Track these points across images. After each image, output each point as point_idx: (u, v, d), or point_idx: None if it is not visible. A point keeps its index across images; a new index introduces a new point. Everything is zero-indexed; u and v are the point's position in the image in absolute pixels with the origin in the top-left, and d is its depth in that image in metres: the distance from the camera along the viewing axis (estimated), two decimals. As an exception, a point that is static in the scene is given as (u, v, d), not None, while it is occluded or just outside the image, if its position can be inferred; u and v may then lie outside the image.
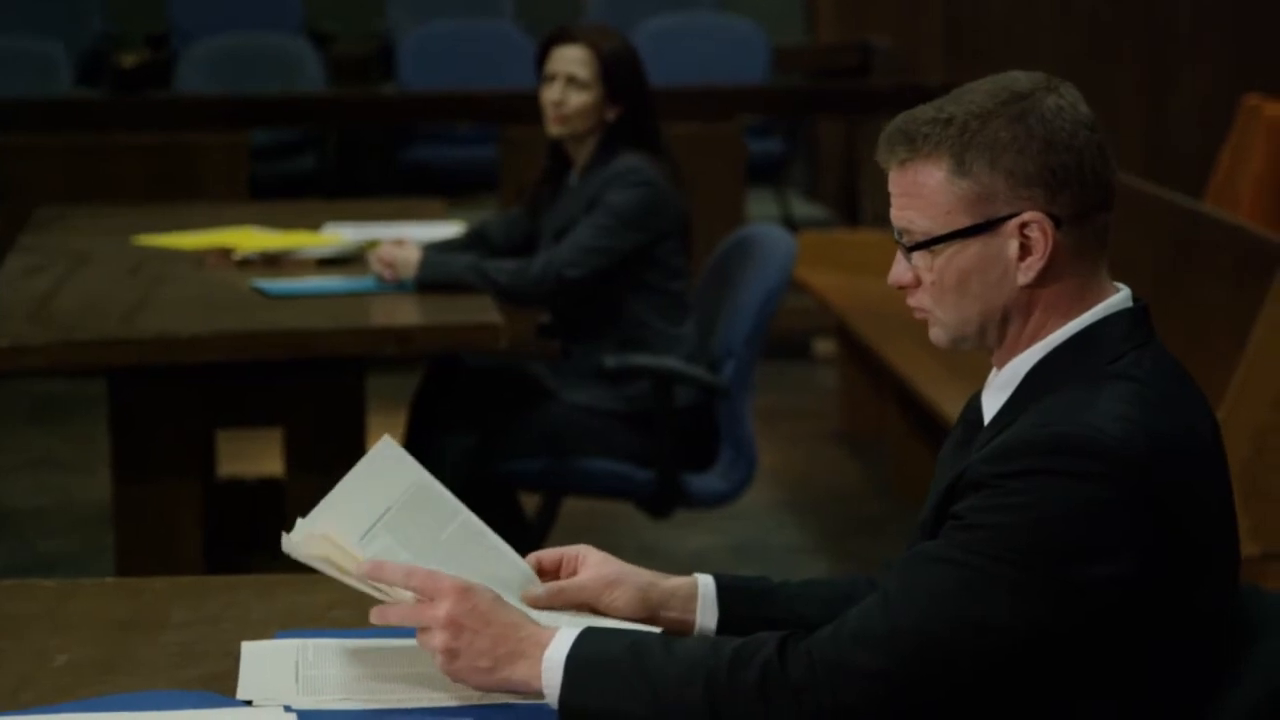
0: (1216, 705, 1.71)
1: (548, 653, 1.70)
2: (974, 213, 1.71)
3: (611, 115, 3.76)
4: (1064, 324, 1.73)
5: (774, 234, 3.91)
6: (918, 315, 1.77)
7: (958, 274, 1.72)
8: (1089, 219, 1.72)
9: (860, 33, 7.44)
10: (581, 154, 3.81)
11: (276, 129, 6.91)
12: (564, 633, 1.72)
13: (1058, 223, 1.70)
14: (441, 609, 1.73)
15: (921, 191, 1.72)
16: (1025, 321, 1.73)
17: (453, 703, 1.76)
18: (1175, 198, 4.29)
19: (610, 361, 3.66)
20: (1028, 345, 1.74)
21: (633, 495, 3.79)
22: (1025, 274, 1.71)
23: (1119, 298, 1.75)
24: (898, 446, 4.99)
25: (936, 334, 1.77)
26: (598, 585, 1.85)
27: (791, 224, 6.55)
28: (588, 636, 1.72)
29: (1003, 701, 1.67)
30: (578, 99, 3.74)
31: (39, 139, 5.99)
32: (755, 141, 6.70)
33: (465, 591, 1.74)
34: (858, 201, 7.09)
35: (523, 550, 1.89)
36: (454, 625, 1.72)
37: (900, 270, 1.76)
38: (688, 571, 1.94)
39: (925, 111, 1.74)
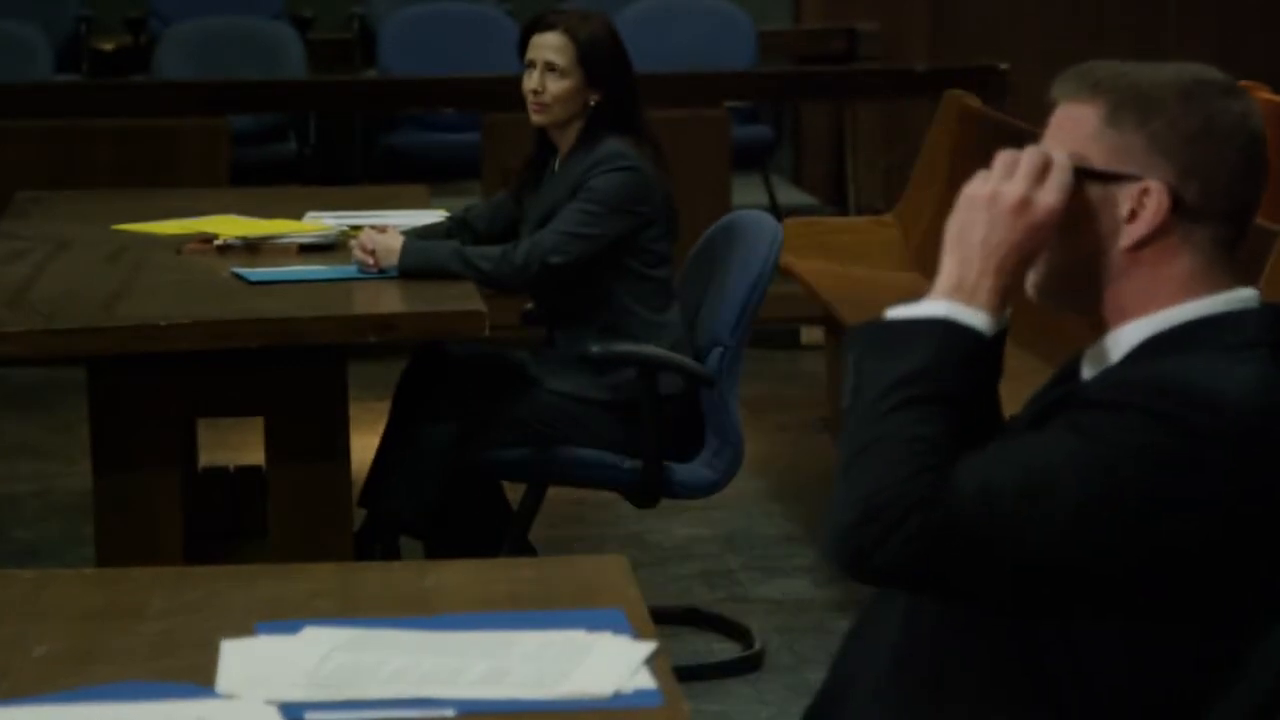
0: (1223, 695, 1.69)
1: (947, 303, 1.69)
2: (1106, 161, 1.72)
3: (593, 101, 3.74)
4: (1180, 302, 1.72)
5: (760, 220, 3.88)
6: None
7: (1069, 213, 1.73)
8: (1209, 222, 1.73)
9: (846, 18, 7.42)
10: (565, 140, 3.79)
11: (257, 114, 6.87)
12: (975, 310, 1.69)
13: (1176, 204, 1.71)
14: (982, 191, 1.70)
15: (1070, 127, 1.75)
16: (1121, 291, 1.73)
17: (436, 694, 1.74)
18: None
19: (595, 349, 3.63)
20: (1133, 316, 1.73)
21: (618, 485, 3.76)
22: (1125, 237, 1.72)
23: (1247, 293, 1.75)
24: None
25: (1033, 280, 1.77)
26: None
27: (777, 211, 6.53)
28: (971, 335, 1.68)
29: (1015, 608, 1.67)
30: (556, 86, 3.72)
31: (16, 124, 5.95)
32: (741, 127, 6.67)
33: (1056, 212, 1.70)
34: (845, 188, 7.06)
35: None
36: (977, 204, 1.70)
37: None
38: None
39: (1112, 64, 1.76)
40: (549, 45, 3.75)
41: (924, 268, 5.17)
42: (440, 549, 3.72)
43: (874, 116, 7.06)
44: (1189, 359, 1.69)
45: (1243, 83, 5.81)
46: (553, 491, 3.84)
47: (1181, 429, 1.63)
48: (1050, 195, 1.71)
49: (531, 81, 3.75)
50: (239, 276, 3.60)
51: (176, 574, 2.17)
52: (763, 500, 4.81)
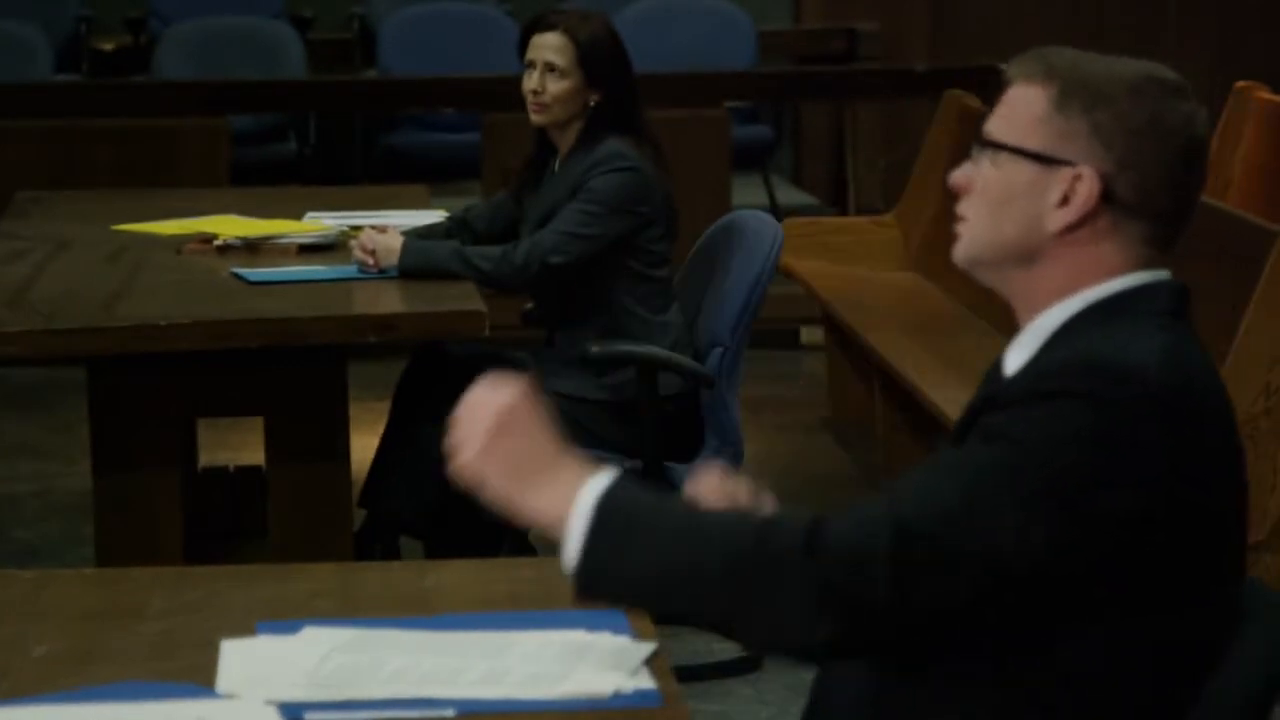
0: (1203, 698, 1.69)
1: (580, 498, 1.68)
2: (1046, 144, 1.74)
3: (593, 101, 3.73)
4: (1096, 285, 1.74)
5: (761, 220, 3.87)
6: (957, 226, 1.80)
7: (1002, 190, 1.76)
8: (1141, 217, 1.74)
9: (846, 18, 7.41)
10: (565, 140, 3.79)
11: (257, 114, 6.87)
12: (599, 476, 1.70)
13: (1108, 195, 1.72)
14: (494, 413, 1.71)
15: (1019, 106, 1.77)
16: (1048, 274, 1.75)
17: (436, 694, 1.74)
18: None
19: (595, 349, 3.63)
20: (1055, 300, 1.75)
21: (618, 484, 3.75)
22: (1054, 221, 1.73)
23: (1162, 273, 1.76)
24: (885, 434, 4.97)
25: (959, 248, 1.79)
26: None
27: (777, 211, 6.52)
28: (621, 486, 1.69)
29: (990, 625, 1.66)
30: (555, 86, 3.72)
31: (17, 124, 5.94)
32: (741, 127, 6.66)
33: (528, 394, 1.73)
34: (845, 188, 7.06)
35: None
36: (500, 433, 1.70)
37: (961, 173, 1.80)
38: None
39: (1070, 51, 1.79)
40: (549, 45, 3.74)
41: (924, 268, 5.17)
42: (440, 549, 3.72)
43: (874, 116, 7.05)
44: (1103, 332, 1.70)
45: (1242, 83, 5.76)
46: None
47: (1106, 404, 1.63)
48: (498, 397, 1.71)
49: (531, 82, 3.75)
50: (239, 277, 3.60)
51: (176, 574, 2.17)
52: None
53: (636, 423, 3.67)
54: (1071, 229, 1.73)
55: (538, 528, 1.70)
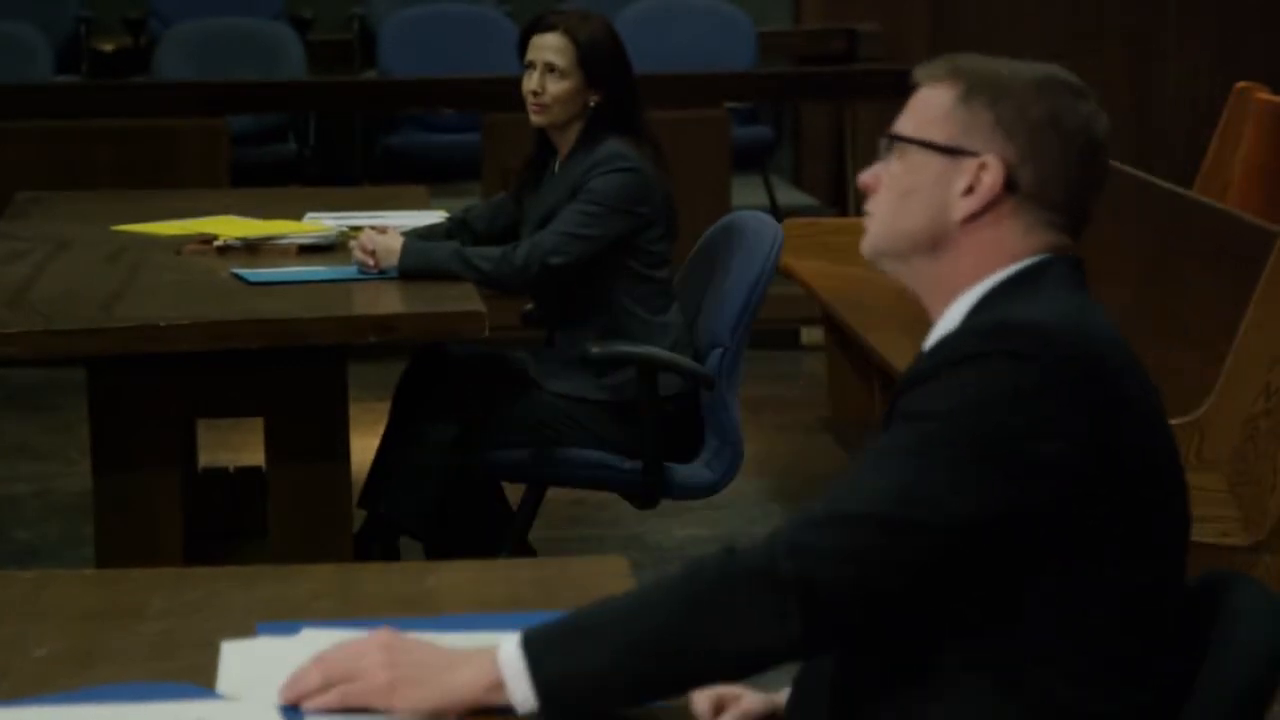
0: (1190, 695, 1.69)
1: (501, 652, 1.67)
2: (952, 136, 1.78)
3: (593, 101, 3.74)
4: (1000, 270, 1.77)
5: (760, 221, 3.88)
6: (865, 223, 1.84)
7: (908, 182, 1.79)
8: (1044, 208, 1.77)
9: (846, 18, 7.42)
10: (565, 141, 3.79)
11: (257, 115, 6.87)
12: (506, 636, 1.69)
13: (1011, 185, 1.77)
14: (376, 638, 1.70)
15: (923, 104, 1.81)
16: (954, 262, 1.78)
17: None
18: (1163, 185, 4.27)
19: (595, 350, 3.63)
20: (961, 290, 1.78)
21: (618, 486, 3.76)
22: (959, 209, 1.77)
23: (1067, 255, 1.80)
24: (884, 435, 4.96)
25: (865, 241, 1.83)
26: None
27: (777, 211, 6.52)
28: (533, 627, 1.69)
29: (945, 596, 1.67)
30: (555, 87, 3.72)
31: (16, 124, 5.95)
32: (741, 127, 6.66)
33: (391, 629, 1.72)
34: (845, 188, 7.06)
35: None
36: (389, 647, 1.68)
37: (870, 172, 1.84)
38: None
39: (974, 55, 1.83)
40: (549, 46, 3.75)
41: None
42: (440, 550, 3.72)
43: (874, 116, 7.05)
44: (1012, 300, 1.74)
45: (1242, 83, 5.76)
46: (553, 492, 3.84)
47: (1028, 361, 1.66)
48: (368, 636, 1.69)
49: (531, 83, 3.75)
50: (238, 277, 3.60)
51: (176, 574, 2.16)
52: (763, 500, 4.81)
53: (636, 423, 3.67)
54: (975, 216, 1.77)
55: (477, 705, 1.66)
